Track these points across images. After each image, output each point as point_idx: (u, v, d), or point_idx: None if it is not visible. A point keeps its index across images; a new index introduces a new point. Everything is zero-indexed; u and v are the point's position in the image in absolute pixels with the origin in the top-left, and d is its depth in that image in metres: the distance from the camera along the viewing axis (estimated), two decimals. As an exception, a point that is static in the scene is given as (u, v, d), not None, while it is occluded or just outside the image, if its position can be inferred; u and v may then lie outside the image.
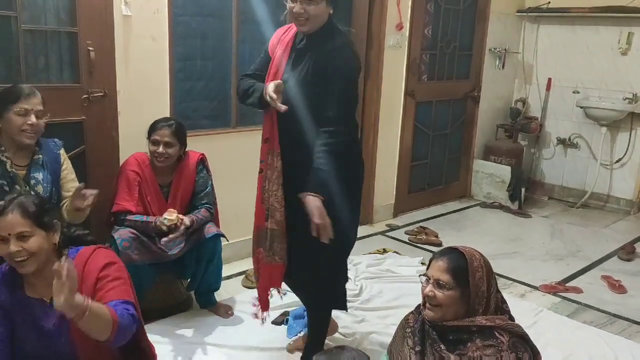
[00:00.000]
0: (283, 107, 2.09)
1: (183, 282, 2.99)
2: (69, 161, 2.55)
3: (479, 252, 1.84)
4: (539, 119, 5.39)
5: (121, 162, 2.87)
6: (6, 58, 2.67)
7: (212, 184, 2.90)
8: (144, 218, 2.68)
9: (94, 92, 2.86)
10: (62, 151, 2.52)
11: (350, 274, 2.94)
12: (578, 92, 5.19)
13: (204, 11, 3.25)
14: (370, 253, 3.81)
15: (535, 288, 3.45)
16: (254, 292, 2.59)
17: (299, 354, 2.57)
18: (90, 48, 2.80)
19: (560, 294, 3.39)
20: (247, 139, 3.37)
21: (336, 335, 2.74)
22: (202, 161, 2.91)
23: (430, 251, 3.67)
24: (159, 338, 2.59)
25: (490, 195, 5.20)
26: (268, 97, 2.10)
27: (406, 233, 4.31)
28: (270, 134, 2.25)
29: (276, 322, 2.87)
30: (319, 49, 2.15)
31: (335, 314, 2.71)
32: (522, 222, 4.78)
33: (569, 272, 3.72)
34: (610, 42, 4.97)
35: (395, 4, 4.18)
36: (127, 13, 2.87)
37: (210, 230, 2.77)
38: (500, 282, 3.45)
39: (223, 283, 3.01)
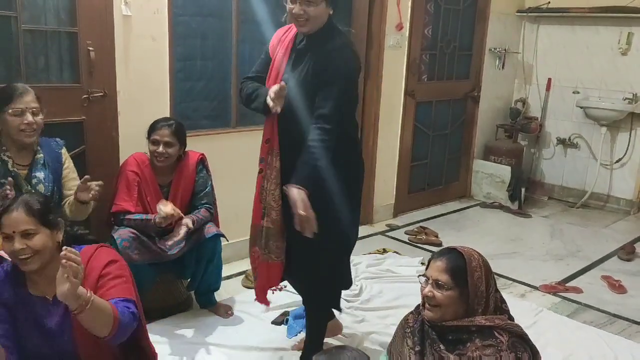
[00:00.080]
0: (277, 110, 2.09)
1: (183, 282, 2.99)
2: (71, 160, 2.56)
3: (477, 252, 1.84)
4: (539, 119, 5.39)
5: (121, 162, 2.87)
6: (6, 58, 2.67)
7: (211, 184, 2.90)
8: (144, 216, 2.68)
9: (94, 92, 2.86)
10: (63, 150, 2.53)
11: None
12: (578, 92, 5.19)
13: (204, 11, 3.26)
14: (370, 253, 3.81)
15: (535, 288, 3.45)
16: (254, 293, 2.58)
17: (299, 354, 2.57)
18: (90, 48, 2.80)
19: (560, 294, 3.39)
20: (247, 139, 3.37)
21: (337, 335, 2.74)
22: (202, 161, 2.91)
23: (430, 251, 3.67)
24: (158, 338, 2.59)
25: (490, 195, 5.20)
26: (268, 99, 2.11)
27: (406, 233, 4.31)
28: (271, 135, 2.26)
29: (276, 322, 2.87)
30: (319, 50, 2.15)
31: (337, 315, 2.71)
32: (522, 222, 4.78)
33: (569, 272, 3.72)
34: (610, 42, 4.97)
35: (395, 4, 4.18)
36: (127, 13, 2.87)
37: (210, 230, 2.77)
38: (500, 282, 3.46)
39: (223, 283, 3.01)
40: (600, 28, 5.01)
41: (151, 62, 3.03)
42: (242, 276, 3.35)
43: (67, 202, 2.42)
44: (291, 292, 2.77)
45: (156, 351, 1.98)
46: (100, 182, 2.36)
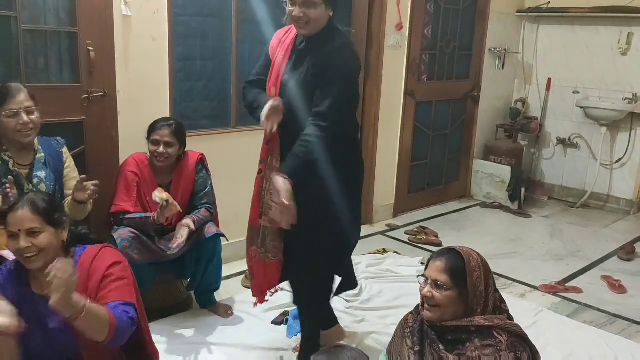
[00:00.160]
0: (273, 129, 2.12)
1: (183, 282, 2.99)
2: (72, 159, 2.56)
3: (476, 252, 1.85)
4: (539, 119, 5.39)
5: (121, 162, 2.87)
6: (6, 58, 2.67)
7: (211, 184, 2.91)
8: (143, 214, 2.68)
9: (93, 92, 2.86)
10: (64, 149, 2.53)
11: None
12: (578, 92, 5.19)
13: (204, 11, 3.26)
14: (370, 253, 3.81)
15: (535, 288, 3.45)
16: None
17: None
18: (90, 48, 2.80)
19: (560, 294, 3.39)
20: (247, 139, 3.37)
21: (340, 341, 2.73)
22: (202, 161, 2.91)
23: (430, 251, 3.67)
24: (158, 338, 2.59)
25: (490, 195, 5.20)
26: (262, 118, 2.11)
27: (406, 233, 4.31)
28: (272, 136, 2.26)
29: (276, 322, 2.87)
30: (319, 51, 2.15)
31: (338, 315, 2.71)
32: (522, 222, 4.78)
33: (569, 272, 3.73)
34: (610, 42, 4.97)
35: (395, 4, 4.18)
36: (127, 13, 2.87)
37: (210, 230, 2.77)
38: (500, 282, 3.46)
39: (223, 283, 3.01)
40: (600, 28, 5.01)
41: (151, 62, 3.03)
42: (242, 276, 3.35)
43: (66, 202, 2.42)
44: (290, 292, 2.77)
45: (158, 350, 1.99)
46: (96, 182, 2.35)
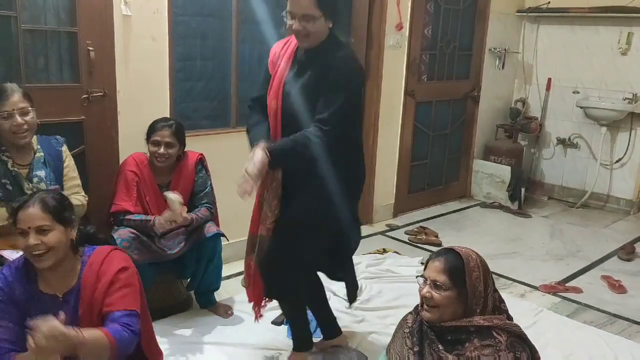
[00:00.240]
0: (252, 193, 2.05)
1: (183, 282, 2.99)
2: (72, 158, 2.56)
3: (475, 252, 1.85)
4: (539, 119, 5.39)
5: (121, 162, 2.87)
6: (6, 58, 2.67)
7: (211, 184, 2.91)
8: (143, 217, 2.68)
9: (93, 92, 2.86)
10: (64, 148, 2.53)
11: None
12: (578, 92, 5.19)
13: (204, 11, 3.26)
14: (370, 253, 3.81)
15: (535, 288, 3.45)
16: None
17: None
18: (90, 48, 2.80)
19: (560, 294, 3.39)
20: (247, 139, 3.36)
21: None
22: (201, 161, 2.91)
23: (430, 251, 3.66)
24: (158, 338, 2.55)
25: (490, 195, 5.20)
26: (241, 180, 2.04)
27: (406, 233, 4.31)
28: None
29: (276, 322, 2.87)
30: (322, 62, 2.14)
31: (338, 315, 2.71)
32: (522, 222, 4.78)
33: (569, 272, 3.72)
34: (610, 42, 4.97)
35: (395, 4, 4.18)
36: (127, 13, 2.87)
37: (210, 229, 2.77)
38: (500, 282, 3.46)
39: (223, 283, 3.02)
40: (600, 28, 5.01)
41: (151, 62, 3.03)
42: (242, 276, 3.34)
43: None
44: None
45: (162, 350, 2.02)
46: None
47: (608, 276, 3.62)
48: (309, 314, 2.67)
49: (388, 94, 4.34)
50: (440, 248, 2.11)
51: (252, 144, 2.19)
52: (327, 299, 2.62)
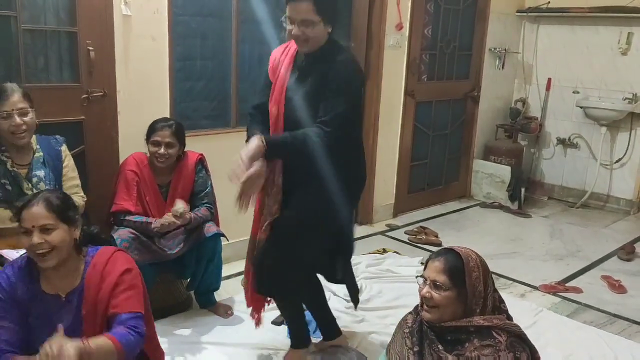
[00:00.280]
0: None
1: (183, 282, 2.99)
2: (72, 158, 2.55)
3: (475, 252, 1.85)
4: (539, 119, 5.39)
5: (121, 162, 2.87)
6: (6, 58, 2.67)
7: (211, 184, 2.90)
8: (144, 219, 2.68)
9: (93, 92, 2.86)
10: (63, 147, 2.52)
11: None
12: (578, 92, 5.19)
13: (204, 11, 3.26)
14: (370, 253, 3.81)
15: (535, 288, 3.45)
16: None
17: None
18: (90, 48, 2.80)
19: (560, 294, 3.39)
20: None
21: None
22: (201, 161, 2.91)
23: (430, 251, 3.66)
24: (158, 338, 2.58)
25: (490, 195, 5.20)
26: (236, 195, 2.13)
27: (406, 233, 4.31)
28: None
29: (276, 322, 2.87)
30: (323, 65, 2.14)
31: (337, 315, 2.71)
32: (522, 222, 4.78)
33: (568, 272, 3.72)
34: (610, 42, 4.97)
35: (395, 4, 4.18)
36: (127, 13, 2.87)
37: (210, 229, 2.77)
38: (500, 282, 3.46)
39: (223, 283, 3.01)
40: (600, 28, 5.01)
41: (151, 62, 3.03)
42: (242, 276, 3.34)
43: None
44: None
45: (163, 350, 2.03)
46: None
47: (608, 276, 3.62)
48: (309, 314, 2.67)
49: (388, 94, 4.34)
50: (440, 248, 2.11)
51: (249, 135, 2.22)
52: (326, 300, 2.62)
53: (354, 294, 2.56)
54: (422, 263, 3.59)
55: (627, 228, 4.66)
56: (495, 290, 1.83)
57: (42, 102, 2.56)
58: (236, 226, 3.17)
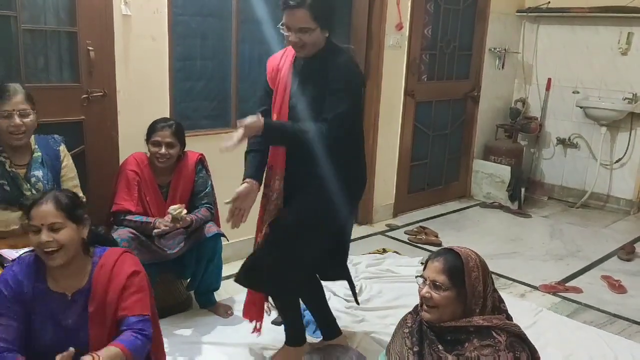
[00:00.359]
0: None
1: (183, 282, 2.99)
2: (70, 158, 2.55)
3: (474, 252, 1.85)
4: (539, 119, 5.39)
5: (121, 162, 2.87)
6: (6, 58, 2.67)
7: (211, 184, 2.90)
8: (144, 219, 2.68)
9: (93, 92, 2.86)
10: (62, 147, 2.52)
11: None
12: (578, 92, 5.19)
13: (204, 11, 3.25)
14: (370, 253, 3.81)
15: (535, 288, 3.45)
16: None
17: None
18: (90, 48, 2.80)
19: (560, 294, 3.39)
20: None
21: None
22: (201, 161, 2.91)
23: (430, 251, 3.66)
24: (158, 338, 2.59)
25: (490, 195, 5.20)
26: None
27: (406, 233, 4.31)
28: (274, 162, 2.29)
29: (276, 322, 2.87)
30: (322, 70, 2.15)
31: (337, 315, 2.71)
32: (522, 222, 4.78)
33: (568, 272, 3.72)
34: (610, 42, 4.97)
35: (395, 4, 4.18)
36: (127, 13, 2.87)
37: (210, 229, 2.77)
38: (500, 282, 3.46)
39: (223, 283, 3.01)
40: (600, 28, 5.01)
41: (151, 62, 3.03)
42: (242, 276, 3.35)
43: None
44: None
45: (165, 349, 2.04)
46: None
47: (608, 276, 3.62)
48: (309, 314, 2.67)
49: (388, 93, 4.34)
50: (439, 248, 2.11)
51: (245, 175, 2.27)
52: (326, 299, 2.62)
53: (354, 291, 2.57)
54: (422, 263, 3.59)
55: (627, 228, 4.66)
56: (495, 290, 1.83)
57: (42, 102, 2.55)
58: (236, 226, 3.17)
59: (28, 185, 2.35)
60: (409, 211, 4.79)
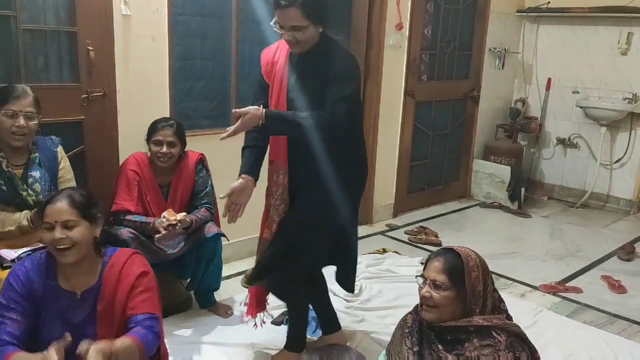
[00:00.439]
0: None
1: (183, 282, 2.99)
2: (67, 160, 2.54)
3: (474, 252, 1.85)
4: (539, 119, 5.39)
5: (121, 161, 2.87)
6: (6, 58, 2.67)
7: (211, 184, 2.90)
8: (143, 219, 2.68)
9: (93, 92, 2.86)
10: (59, 149, 2.51)
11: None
12: (578, 92, 5.19)
13: (204, 11, 3.25)
14: (370, 253, 3.81)
15: (535, 288, 3.45)
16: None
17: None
18: (90, 48, 2.80)
19: (560, 294, 3.39)
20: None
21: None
22: (202, 161, 2.91)
23: (430, 251, 3.66)
24: (158, 338, 2.59)
25: (490, 195, 5.20)
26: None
27: (406, 233, 4.31)
28: (275, 156, 2.29)
29: (276, 322, 2.87)
30: (319, 63, 2.15)
31: (337, 315, 2.70)
32: (522, 222, 4.78)
33: (568, 272, 3.72)
34: (610, 42, 4.97)
35: (395, 3, 4.18)
36: (127, 12, 2.87)
37: (210, 229, 2.77)
38: (500, 282, 3.46)
39: (223, 283, 3.01)
40: (600, 28, 5.01)
41: (151, 61, 3.03)
42: (242, 276, 3.32)
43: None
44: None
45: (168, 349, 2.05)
46: None
47: (608, 276, 3.62)
48: (311, 312, 2.68)
49: (388, 93, 4.34)
50: (439, 248, 2.11)
51: (241, 170, 2.27)
52: (328, 293, 2.62)
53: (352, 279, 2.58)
54: (422, 263, 3.58)
55: (627, 228, 4.66)
56: (495, 290, 1.83)
57: (42, 102, 2.54)
58: (236, 226, 3.15)
59: (25, 185, 2.35)
60: (409, 211, 4.79)
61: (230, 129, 2.06)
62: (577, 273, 3.72)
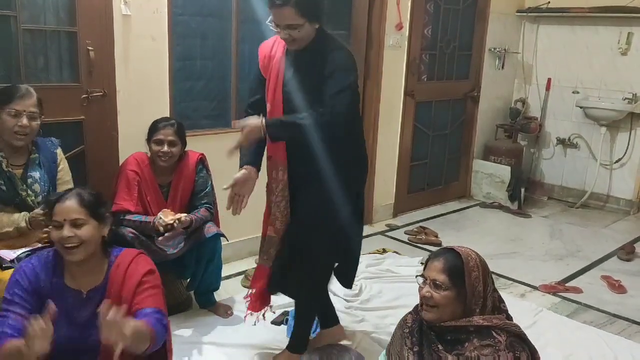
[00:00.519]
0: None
1: (183, 282, 2.99)
2: (66, 162, 2.54)
3: (475, 252, 1.85)
4: (539, 119, 5.39)
5: (121, 161, 2.87)
6: (6, 58, 2.67)
7: (211, 184, 2.90)
8: (143, 218, 2.68)
9: (93, 92, 2.86)
10: (58, 150, 2.52)
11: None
12: (578, 92, 5.19)
13: (204, 11, 3.25)
14: (369, 253, 3.81)
15: (535, 288, 3.45)
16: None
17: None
18: (90, 48, 2.80)
19: (560, 294, 3.39)
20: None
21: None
22: (202, 161, 2.91)
23: (430, 251, 3.66)
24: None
25: (489, 195, 5.20)
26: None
27: (406, 233, 4.31)
28: (273, 152, 2.28)
29: (276, 322, 2.87)
30: (316, 58, 2.15)
31: (337, 315, 2.71)
32: (522, 222, 4.78)
33: (568, 272, 3.72)
34: (610, 42, 4.97)
35: (395, 3, 4.18)
36: (127, 12, 2.87)
37: (210, 229, 2.77)
38: (500, 282, 3.46)
39: (223, 283, 3.02)
40: (600, 28, 5.01)
41: (151, 61, 3.03)
42: (242, 276, 3.35)
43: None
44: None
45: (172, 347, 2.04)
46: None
47: (608, 276, 3.62)
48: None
49: (388, 93, 4.34)
50: (439, 248, 2.11)
51: (241, 163, 2.27)
52: (327, 290, 2.62)
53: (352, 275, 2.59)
54: (422, 263, 3.58)
55: (627, 228, 4.66)
56: (495, 290, 1.83)
57: (42, 102, 2.55)
58: (236, 226, 3.17)
59: (24, 185, 2.35)
60: (408, 211, 4.79)
61: (234, 144, 2.10)
62: (577, 273, 3.72)
